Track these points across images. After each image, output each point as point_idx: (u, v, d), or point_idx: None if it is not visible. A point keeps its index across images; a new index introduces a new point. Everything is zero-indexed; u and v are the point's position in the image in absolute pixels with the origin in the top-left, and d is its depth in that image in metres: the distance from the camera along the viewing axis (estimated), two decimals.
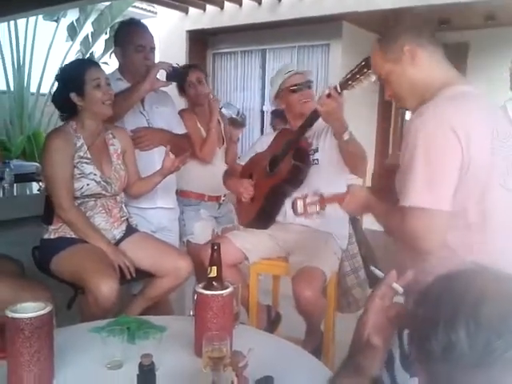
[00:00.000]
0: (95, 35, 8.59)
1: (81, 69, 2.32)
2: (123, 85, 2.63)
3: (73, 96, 2.28)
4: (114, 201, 2.43)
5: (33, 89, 8.58)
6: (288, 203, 2.56)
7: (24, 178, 4.08)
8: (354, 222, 2.69)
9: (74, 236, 2.32)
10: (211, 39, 8.72)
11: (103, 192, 2.36)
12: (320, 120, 2.32)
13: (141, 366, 1.39)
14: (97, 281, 2.07)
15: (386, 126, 8.30)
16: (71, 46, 8.54)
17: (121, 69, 2.74)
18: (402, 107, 1.68)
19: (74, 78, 2.29)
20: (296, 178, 2.50)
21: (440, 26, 6.49)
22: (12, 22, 8.04)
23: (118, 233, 2.42)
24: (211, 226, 3.20)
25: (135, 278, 2.34)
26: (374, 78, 1.98)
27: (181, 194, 3.14)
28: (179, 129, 2.87)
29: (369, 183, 3.11)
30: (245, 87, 8.45)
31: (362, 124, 7.31)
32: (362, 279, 2.54)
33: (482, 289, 0.76)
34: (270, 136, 2.85)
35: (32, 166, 5.09)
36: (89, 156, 2.34)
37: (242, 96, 8.38)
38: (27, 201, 3.31)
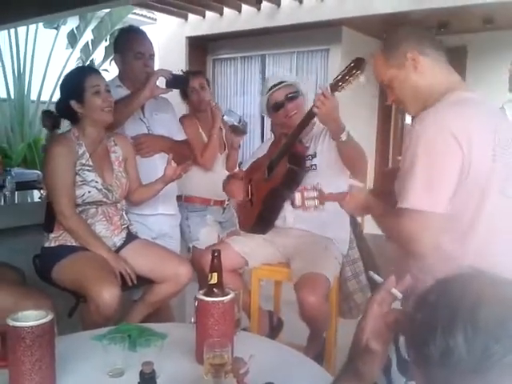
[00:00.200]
0: (95, 42, 8.63)
1: (80, 76, 2.33)
2: (123, 92, 2.64)
3: (73, 103, 2.29)
4: (115, 208, 2.43)
5: (33, 96, 8.61)
6: (286, 207, 2.57)
7: (25, 185, 4.09)
8: (355, 226, 2.69)
9: (74, 244, 2.32)
10: (211, 45, 8.74)
11: (104, 199, 2.36)
12: (317, 124, 2.33)
13: (142, 373, 1.39)
14: (98, 288, 2.07)
15: (387, 128, 8.31)
16: (71, 53, 8.58)
17: (120, 76, 2.75)
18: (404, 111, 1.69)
19: (74, 85, 2.31)
20: (292, 181, 2.50)
21: (439, 29, 6.50)
22: (12, 30, 8.09)
23: (118, 240, 2.42)
24: (216, 232, 3.21)
25: (136, 285, 2.34)
26: (362, 78, 2.02)
27: (186, 199, 3.15)
28: (179, 135, 2.88)
29: (370, 185, 3.11)
30: (245, 92, 8.47)
31: (361, 125, 7.33)
32: (363, 284, 2.53)
33: (479, 293, 0.76)
34: (270, 141, 2.86)
35: (33, 173, 5.11)
36: (90, 163, 2.34)
37: (241, 101, 8.40)
38: (28, 209, 3.32)
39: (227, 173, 3.11)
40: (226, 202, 3.23)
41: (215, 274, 1.67)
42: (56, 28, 8.41)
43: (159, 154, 2.73)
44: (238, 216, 2.95)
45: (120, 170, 2.45)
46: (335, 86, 2.09)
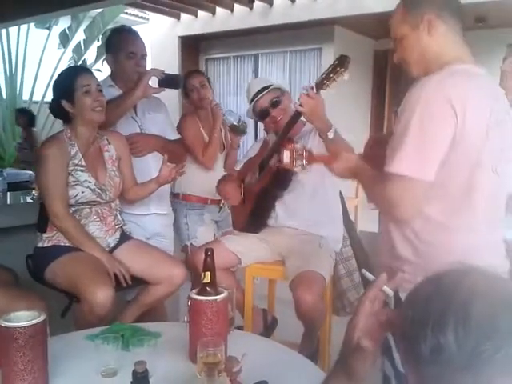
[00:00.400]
0: (87, 42, 8.59)
1: (71, 76, 2.32)
2: (115, 91, 2.63)
3: (64, 103, 2.29)
4: (109, 208, 2.42)
5: (25, 96, 8.57)
6: (278, 206, 2.57)
7: (17, 186, 4.07)
8: (349, 224, 2.70)
9: (68, 244, 2.31)
10: (203, 45, 8.74)
11: (98, 199, 2.35)
12: (307, 122, 2.34)
13: (134, 373, 1.39)
14: (92, 289, 2.07)
15: (380, 125, 8.34)
16: (63, 53, 8.54)
17: (113, 76, 2.74)
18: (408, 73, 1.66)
19: (65, 85, 2.30)
20: (281, 180, 2.50)
21: None
22: (4, 30, 8.04)
23: (112, 240, 2.41)
24: (213, 231, 3.23)
25: (130, 285, 2.33)
26: (346, 76, 2.02)
27: (184, 197, 3.17)
28: (172, 135, 2.88)
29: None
30: (238, 92, 8.47)
31: (355, 123, 7.34)
32: (356, 282, 2.54)
33: (470, 290, 0.76)
34: (261, 140, 2.87)
35: (25, 174, 5.07)
36: (83, 163, 2.33)
37: (235, 101, 8.40)
38: (20, 209, 3.30)
39: (225, 172, 3.12)
40: (223, 201, 3.24)
41: (208, 273, 1.67)
42: (48, 28, 8.37)
43: (152, 154, 2.73)
44: (232, 215, 2.96)
45: (113, 169, 2.44)
46: (320, 85, 2.11)
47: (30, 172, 5.06)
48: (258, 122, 7.90)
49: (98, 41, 8.57)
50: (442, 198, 1.47)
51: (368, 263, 2.53)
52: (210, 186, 3.04)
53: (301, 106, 2.11)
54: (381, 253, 1.65)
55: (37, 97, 8.43)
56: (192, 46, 8.61)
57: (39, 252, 2.35)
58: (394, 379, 1.43)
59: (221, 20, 7.78)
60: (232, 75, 8.65)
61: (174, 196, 3.17)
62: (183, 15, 8.13)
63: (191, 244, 3.11)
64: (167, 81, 2.59)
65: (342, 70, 2.06)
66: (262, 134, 7.48)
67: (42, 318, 1.43)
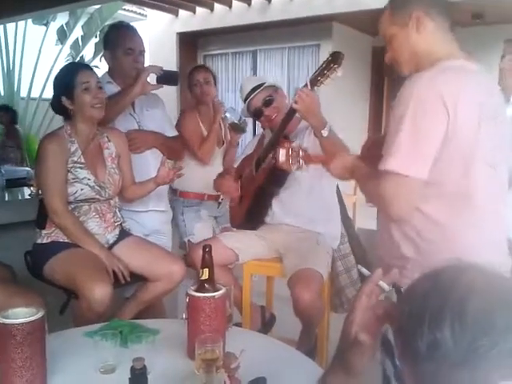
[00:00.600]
0: (85, 38, 8.56)
1: (71, 72, 2.31)
2: (113, 88, 2.62)
3: (64, 100, 2.29)
4: (108, 205, 2.42)
5: (23, 93, 8.54)
6: (275, 204, 2.57)
7: (15, 182, 4.07)
8: (346, 221, 2.70)
9: (67, 240, 2.31)
10: (202, 41, 8.72)
11: (97, 196, 2.35)
12: (302, 120, 2.34)
13: (133, 369, 1.40)
14: (90, 286, 2.07)
15: (378, 122, 8.34)
16: (61, 49, 8.51)
17: (111, 72, 2.74)
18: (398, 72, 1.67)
19: (65, 81, 2.30)
20: (278, 177, 2.50)
21: None
22: (1, 27, 8.01)
23: (111, 237, 2.41)
24: (211, 227, 3.23)
25: (128, 282, 2.33)
26: (339, 72, 2.02)
27: (181, 194, 3.18)
28: (170, 131, 2.88)
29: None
30: (236, 88, 8.45)
31: (353, 119, 7.34)
32: (354, 279, 2.55)
33: (467, 286, 0.77)
34: (258, 137, 2.87)
35: (23, 170, 5.07)
36: (83, 161, 2.33)
37: (233, 97, 8.38)
38: (18, 206, 3.31)
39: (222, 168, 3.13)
40: (221, 197, 3.24)
41: (206, 270, 1.67)
42: (45, 24, 8.34)
43: (150, 150, 2.73)
44: (229, 212, 2.96)
45: (113, 167, 2.44)
46: (314, 81, 2.11)
47: (28, 169, 5.06)
48: None
49: (96, 37, 8.54)
50: (440, 196, 1.47)
51: (366, 260, 2.53)
52: (207, 181, 3.05)
53: (295, 103, 2.12)
54: (380, 250, 1.66)
55: (35, 93, 8.41)
56: (190, 43, 8.59)
57: (38, 248, 2.35)
58: (394, 379, 1.43)
59: (219, 16, 7.76)
60: (230, 71, 8.64)
61: (172, 193, 3.17)
62: (181, 11, 8.12)
63: (189, 241, 3.12)
64: (165, 77, 2.59)
65: (336, 66, 2.06)
66: (260, 130, 7.47)
67: (40, 314, 1.43)
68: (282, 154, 1.90)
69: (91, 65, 7.37)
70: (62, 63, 7.86)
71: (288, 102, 2.47)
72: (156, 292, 2.39)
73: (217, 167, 3.15)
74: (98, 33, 8.43)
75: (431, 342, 0.74)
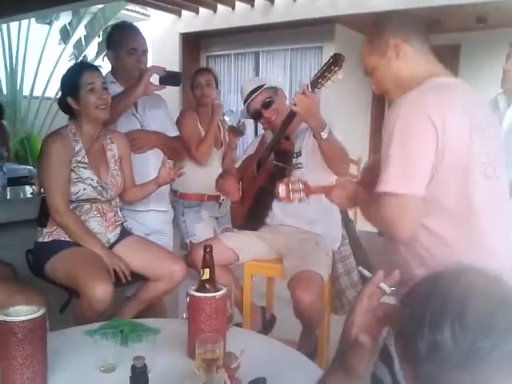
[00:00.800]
0: (88, 38, 8.58)
1: (76, 73, 2.32)
2: (116, 88, 2.63)
3: (69, 100, 2.29)
4: (109, 205, 2.43)
5: (26, 92, 8.56)
6: (275, 205, 2.57)
7: (17, 181, 4.07)
8: (348, 223, 2.70)
9: (68, 239, 2.31)
10: (204, 42, 8.73)
11: (99, 197, 2.36)
12: (303, 123, 2.35)
13: (133, 368, 1.40)
14: (91, 284, 2.07)
15: (380, 126, 8.33)
16: (64, 49, 8.53)
17: (113, 72, 2.74)
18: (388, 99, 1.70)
19: (70, 82, 2.31)
20: (278, 178, 2.50)
21: (432, 27, 6.53)
22: (4, 26, 8.03)
23: (112, 236, 2.42)
24: (212, 227, 3.24)
25: (129, 281, 2.34)
26: (340, 75, 2.03)
27: (181, 195, 3.19)
28: (173, 131, 2.88)
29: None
30: (238, 90, 8.44)
31: (355, 123, 7.34)
32: (355, 281, 2.54)
33: (467, 288, 0.77)
34: (259, 138, 2.87)
35: (25, 169, 5.08)
36: (86, 161, 2.34)
37: (235, 98, 8.39)
38: (20, 204, 3.31)
39: (221, 169, 3.13)
40: (222, 197, 3.25)
41: (207, 270, 1.68)
42: (48, 23, 8.36)
43: (152, 150, 2.73)
44: (231, 212, 2.96)
45: (115, 168, 2.44)
46: (315, 84, 2.12)
47: (30, 167, 5.07)
48: None
49: (99, 37, 8.56)
50: (441, 211, 1.47)
51: (367, 262, 2.53)
52: (206, 182, 3.06)
53: (295, 105, 2.12)
54: (387, 263, 1.66)
55: (37, 92, 8.42)
56: (193, 43, 8.61)
57: (39, 247, 2.35)
58: None
59: (222, 17, 7.78)
60: (233, 73, 8.65)
61: (173, 194, 3.18)
62: (184, 12, 8.13)
63: (191, 242, 3.12)
64: (168, 78, 2.59)
65: (337, 68, 2.07)
66: (262, 130, 7.47)
67: (41, 312, 1.43)
68: (281, 190, 1.92)
69: (95, 64, 7.40)
70: (64, 63, 7.89)
71: (289, 104, 2.48)
72: (157, 291, 2.40)
73: (216, 169, 3.16)
74: (101, 32, 8.45)
75: (432, 343, 0.74)
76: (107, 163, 2.42)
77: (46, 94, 8.19)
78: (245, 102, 2.67)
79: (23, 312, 1.42)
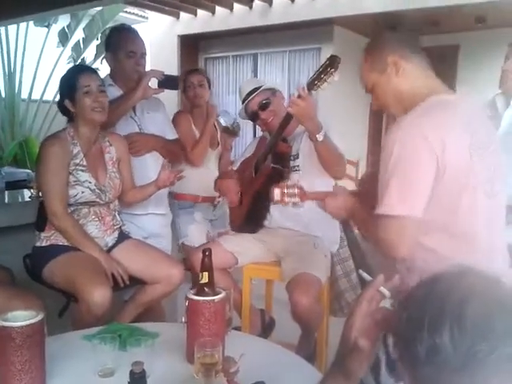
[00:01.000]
0: (86, 41, 8.56)
1: (73, 76, 2.32)
2: (114, 90, 2.63)
3: (66, 102, 2.30)
4: (107, 208, 2.42)
5: (24, 95, 8.54)
6: (273, 208, 2.57)
7: (15, 185, 4.06)
8: (346, 225, 2.69)
9: (66, 243, 2.31)
10: (203, 44, 8.74)
11: (97, 200, 2.35)
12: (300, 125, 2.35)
13: (132, 373, 1.39)
14: (89, 289, 2.07)
15: (378, 129, 8.34)
16: (62, 51, 8.51)
17: (112, 74, 2.74)
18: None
19: (67, 85, 2.32)
20: (276, 181, 2.50)
21: (430, 28, 6.54)
22: (2, 29, 8.02)
23: (110, 240, 2.41)
24: (205, 229, 3.22)
25: (127, 285, 2.33)
26: (336, 77, 2.03)
27: (175, 196, 3.17)
28: (171, 134, 2.88)
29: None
30: (236, 91, 8.45)
31: (353, 126, 7.34)
32: (354, 283, 2.54)
33: (466, 291, 0.77)
34: (257, 140, 2.87)
35: (23, 172, 5.07)
36: (84, 163, 2.33)
37: (233, 100, 8.39)
38: (18, 208, 3.30)
39: (217, 171, 3.12)
40: (218, 200, 3.24)
41: (206, 274, 1.67)
42: (47, 26, 8.34)
43: (150, 153, 2.73)
44: (230, 214, 2.96)
45: (114, 171, 2.44)
46: (311, 85, 2.11)
47: (28, 171, 5.06)
48: None
49: (98, 39, 8.55)
50: (439, 229, 1.48)
51: (365, 264, 2.52)
52: (201, 184, 3.06)
53: (290, 107, 2.12)
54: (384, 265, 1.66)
55: (35, 95, 8.40)
56: (191, 45, 8.61)
57: (37, 251, 2.34)
58: None
59: (220, 19, 7.78)
60: (231, 74, 8.65)
61: (170, 195, 3.17)
62: (183, 14, 8.13)
63: (182, 243, 3.12)
64: (166, 82, 2.60)
65: (333, 70, 2.07)
66: (260, 132, 7.47)
67: (39, 317, 1.43)
68: (276, 193, 1.92)
69: (92, 67, 7.39)
70: (63, 65, 7.87)
71: (287, 106, 2.47)
72: (155, 295, 2.39)
73: (211, 169, 3.16)
74: (100, 35, 8.43)
75: (430, 347, 0.74)
76: (105, 166, 2.42)
77: (45, 97, 8.17)
78: (243, 103, 2.67)
79: (21, 317, 1.42)
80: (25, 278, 2.35)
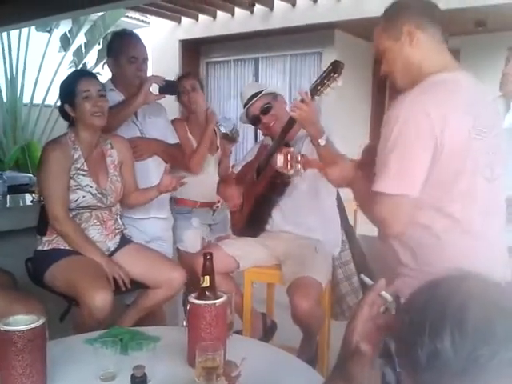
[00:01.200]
0: (88, 46, 8.59)
1: (73, 81, 2.33)
2: (116, 95, 2.64)
3: (66, 107, 2.31)
4: (109, 212, 2.43)
5: (26, 99, 8.57)
6: (275, 212, 2.57)
7: (17, 189, 4.07)
8: (348, 228, 2.70)
9: (67, 247, 2.31)
10: (204, 48, 8.76)
11: (99, 204, 2.36)
12: (302, 129, 2.35)
13: (133, 377, 1.39)
14: (91, 293, 2.07)
15: (379, 123, 8.34)
16: (64, 56, 8.54)
17: (113, 79, 2.75)
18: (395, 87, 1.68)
19: (67, 90, 2.32)
20: (277, 186, 2.50)
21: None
22: (5, 34, 8.05)
23: (112, 244, 2.41)
24: (201, 234, 3.19)
25: (129, 289, 2.33)
26: (339, 82, 2.02)
27: (175, 201, 3.16)
28: (172, 139, 2.88)
29: None
30: (238, 96, 8.45)
31: (355, 119, 7.34)
32: (355, 287, 2.54)
33: (467, 295, 0.77)
34: (259, 144, 2.87)
35: (25, 177, 5.07)
36: (85, 168, 2.34)
37: (235, 104, 8.41)
38: (20, 212, 3.30)
39: (217, 176, 3.11)
40: (217, 204, 3.22)
41: (207, 277, 1.67)
42: (49, 31, 8.37)
43: (152, 158, 2.74)
44: (231, 218, 2.95)
45: (115, 174, 2.44)
46: (314, 91, 2.10)
47: (30, 175, 5.06)
48: None
49: (99, 44, 8.57)
50: (435, 208, 1.48)
51: (367, 267, 2.52)
52: (200, 188, 3.04)
53: (293, 111, 2.12)
54: (382, 260, 1.66)
55: (37, 100, 8.43)
56: (193, 50, 8.63)
57: (39, 255, 2.35)
58: None
59: (221, 24, 7.80)
60: (232, 79, 8.66)
61: (171, 200, 3.17)
62: (184, 19, 8.16)
63: (177, 248, 3.10)
64: (167, 87, 2.61)
65: (336, 75, 2.06)
66: (262, 136, 7.47)
67: (40, 321, 1.43)
68: (279, 159, 1.91)
69: (94, 72, 7.42)
70: (64, 70, 7.90)
71: (289, 110, 2.47)
72: (156, 299, 2.39)
73: (210, 174, 3.12)
74: (101, 40, 8.46)
75: (432, 351, 0.74)
76: (107, 169, 2.43)
77: (46, 102, 8.19)
78: (244, 107, 2.67)
79: (23, 321, 1.42)
80: (26, 282, 2.36)
